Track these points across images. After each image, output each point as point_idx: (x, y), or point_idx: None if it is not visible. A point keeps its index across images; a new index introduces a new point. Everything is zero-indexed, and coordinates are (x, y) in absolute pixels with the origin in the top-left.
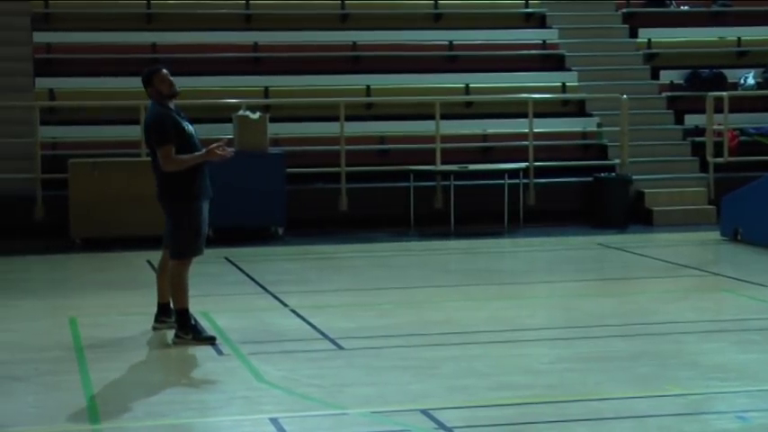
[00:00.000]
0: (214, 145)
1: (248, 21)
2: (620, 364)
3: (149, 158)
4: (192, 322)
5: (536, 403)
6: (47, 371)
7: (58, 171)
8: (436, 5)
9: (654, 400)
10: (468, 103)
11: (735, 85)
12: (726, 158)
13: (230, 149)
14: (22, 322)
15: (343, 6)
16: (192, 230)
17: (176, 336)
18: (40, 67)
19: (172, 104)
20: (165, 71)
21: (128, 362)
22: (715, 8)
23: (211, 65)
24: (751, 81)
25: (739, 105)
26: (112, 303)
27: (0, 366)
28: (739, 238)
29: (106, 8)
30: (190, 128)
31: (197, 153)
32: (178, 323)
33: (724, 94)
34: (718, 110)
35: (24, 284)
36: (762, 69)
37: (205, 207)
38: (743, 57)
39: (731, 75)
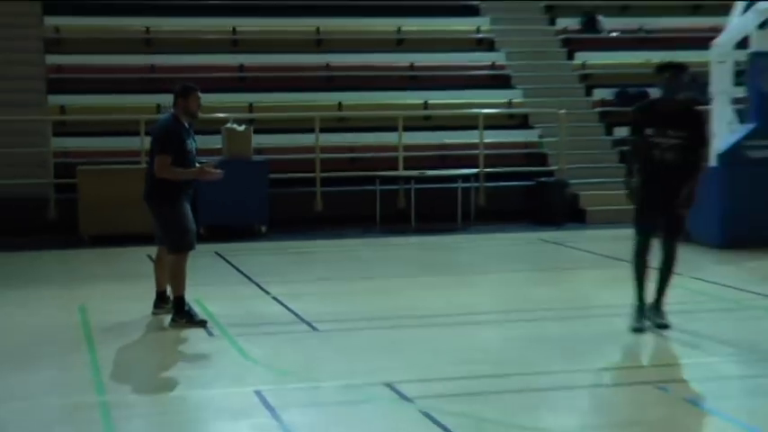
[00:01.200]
0: (207, 165)
1: (235, 44)
2: (559, 344)
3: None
4: (187, 308)
5: (485, 377)
6: (60, 350)
7: (69, 176)
8: (399, 31)
9: (587, 373)
10: (427, 117)
11: None
12: None
13: (219, 171)
14: (39, 309)
15: (318, 32)
16: (179, 227)
17: (172, 320)
18: (53, 86)
19: (186, 122)
20: (200, 93)
21: (130, 343)
22: (641, 34)
23: (203, 83)
24: None
25: None
26: (117, 292)
27: (20, 347)
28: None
29: (111, 33)
30: (192, 146)
31: (191, 169)
32: (174, 308)
33: None
34: None
35: (39, 276)
36: None
37: (186, 206)
38: None
39: (654, 92)
